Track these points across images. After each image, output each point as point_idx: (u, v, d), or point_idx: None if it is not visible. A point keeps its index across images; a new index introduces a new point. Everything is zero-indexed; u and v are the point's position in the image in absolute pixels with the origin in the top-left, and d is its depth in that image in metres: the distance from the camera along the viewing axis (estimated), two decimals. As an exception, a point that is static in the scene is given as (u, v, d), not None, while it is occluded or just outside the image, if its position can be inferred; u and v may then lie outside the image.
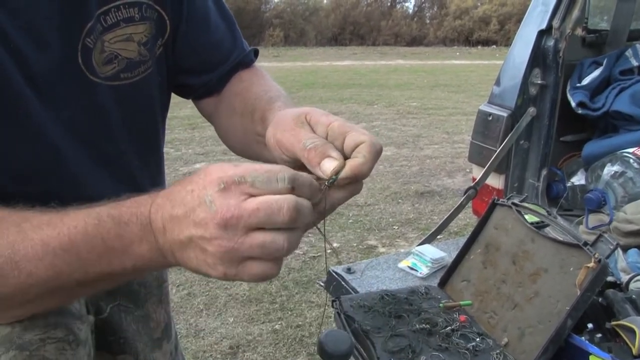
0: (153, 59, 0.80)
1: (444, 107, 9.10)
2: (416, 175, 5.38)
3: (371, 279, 1.59)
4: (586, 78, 2.35)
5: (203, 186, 0.53)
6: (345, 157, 0.61)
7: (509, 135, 2.21)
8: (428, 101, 9.73)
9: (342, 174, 0.59)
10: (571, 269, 1.12)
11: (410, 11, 30.00)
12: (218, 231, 0.51)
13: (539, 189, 2.29)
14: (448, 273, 1.41)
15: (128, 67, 0.76)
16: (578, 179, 2.37)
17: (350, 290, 1.52)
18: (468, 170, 5.12)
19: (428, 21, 29.25)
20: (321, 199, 0.60)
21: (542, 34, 2.19)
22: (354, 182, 0.61)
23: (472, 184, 2.22)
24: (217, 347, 2.59)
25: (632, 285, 1.34)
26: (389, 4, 29.21)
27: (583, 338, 1.10)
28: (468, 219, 3.83)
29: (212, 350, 2.56)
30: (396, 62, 17.85)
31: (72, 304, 0.75)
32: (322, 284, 1.72)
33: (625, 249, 1.77)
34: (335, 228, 3.97)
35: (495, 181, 2.34)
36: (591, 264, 1.06)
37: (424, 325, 1.18)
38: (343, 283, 1.57)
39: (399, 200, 4.68)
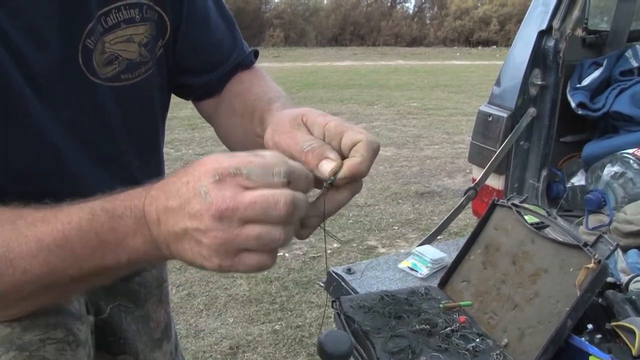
0: (153, 60, 0.80)
1: (444, 108, 9.09)
2: (416, 176, 5.38)
3: (371, 279, 1.59)
4: (586, 79, 2.35)
5: (198, 177, 0.53)
6: (343, 157, 0.61)
7: (509, 136, 2.21)
8: (428, 101, 9.72)
9: (341, 174, 0.59)
10: (571, 269, 1.12)
11: (411, 11, 29.98)
12: (213, 223, 0.51)
13: (539, 190, 2.29)
14: (448, 274, 1.41)
15: (128, 68, 0.76)
16: (578, 180, 2.37)
17: (350, 290, 1.52)
18: (468, 170, 5.12)
19: (428, 21, 29.22)
20: (321, 200, 0.60)
21: (543, 34, 2.19)
22: (353, 182, 0.61)
23: (472, 185, 2.23)
24: (217, 348, 2.59)
25: (632, 286, 1.34)
26: (389, 4, 29.20)
27: (583, 339, 1.10)
28: (468, 219, 3.84)
29: (212, 351, 2.56)
30: (396, 62, 17.85)
31: (72, 304, 0.75)
32: (322, 284, 1.72)
33: (625, 249, 1.77)
34: (335, 228, 3.97)
35: (495, 182, 2.34)
36: (591, 265, 1.06)
37: (423, 325, 1.18)
38: (343, 283, 1.57)
39: (399, 201, 4.68)
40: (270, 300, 3.01)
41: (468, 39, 26.60)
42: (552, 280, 1.15)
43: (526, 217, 1.30)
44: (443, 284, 1.41)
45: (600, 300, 1.21)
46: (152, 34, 0.78)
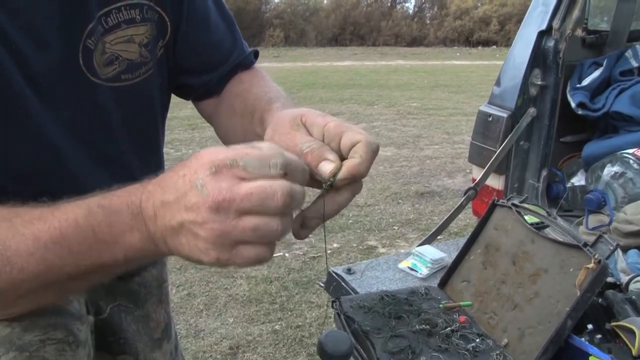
0: (154, 60, 0.80)
1: (444, 108, 9.09)
2: (416, 176, 5.38)
3: (371, 279, 1.59)
4: (586, 79, 2.35)
5: (194, 170, 0.52)
6: (343, 158, 0.61)
7: (509, 136, 2.21)
8: (428, 101, 9.72)
9: (340, 176, 0.59)
10: (571, 269, 1.12)
11: (411, 11, 29.98)
12: (210, 215, 0.51)
13: (539, 190, 2.29)
14: (448, 274, 1.41)
15: (129, 68, 0.76)
16: (578, 180, 2.37)
17: (350, 290, 1.52)
18: (468, 170, 5.12)
19: (428, 21, 29.22)
20: (321, 201, 0.60)
21: (542, 34, 2.19)
22: (353, 183, 0.61)
23: (472, 185, 2.23)
24: (217, 348, 2.59)
25: (632, 286, 1.34)
26: (389, 4, 29.19)
27: (583, 339, 1.10)
28: (468, 219, 3.84)
29: (212, 351, 2.57)
30: (396, 62, 17.85)
31: (72, 305, 0.75)
32: (322, 284, 1.72)
33: (625, 249, 1.77)
34: (335, 228, 3.97)
35: (495, 182, 2.34)
36: (591, 265, 1.06)
37: (423, 326, 1.19)
38: (343, 284, 1.57)
39: (399, 201, 4.68)
40: (270, 300, 3.01)
41: (468, 39, 26.60)
42: (552, 280, 1.15)
43: (526, 217, 1.30)
44: (443, 284, 1.41)
45: (600, 300, 1.21)
46: (152, 34, 0.78)
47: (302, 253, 3.55)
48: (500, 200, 1.38)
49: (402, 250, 3.41)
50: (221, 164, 0.51)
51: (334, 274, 1.61)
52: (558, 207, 2.30)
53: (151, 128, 0.86)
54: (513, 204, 1.33)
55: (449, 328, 1.18)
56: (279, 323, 2.79)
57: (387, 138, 6.87)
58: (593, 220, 2.08)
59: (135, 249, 0.57)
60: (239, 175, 0.51)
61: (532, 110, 2.23)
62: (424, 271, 1.61)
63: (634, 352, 1.07)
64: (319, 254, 3.52)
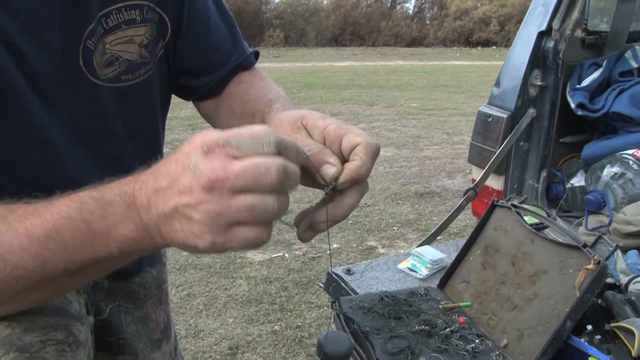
0: (154, 61, 0.80)
1: (444, 108, 9.10)
2: (416, 176, 5.38)
3: (371, 280, 1.59)
4: (586, 79, 2.35)
5: (187, 153, 0.52)
6: (344, 160, 0.61)
7: (509, 137, 2.21)
8: (428, 102, 9.73)
9: (342, 179, 0.59)
10: (570, 270, 1.12)
11: (410, 12, 30.03)
12: (204, 195, 0.49)
13: (538, 190, 2.29)
14: (447, 274, 1.41)
15: (129, 69, 0.76)
16: (578, 180, 2.37)
17: (350, 291, 1.53)
18: (468, 171, 5.13)
19: (428, 22, 29.26)
20: (324, 205, 0.60)
21: (542, 35, 2.20)
22: (357, 185, 0.61)
23: (471, 185, 2.23)
24: (217, 348, 2.59)
25: (631, 287, 1.34)
26: (389, 4, 29.21)
27: (582, 340, 1.10)
28: (468, 220, 3.84)
29: (211, 351, 2.56)
30: (396, 62, 17.85)
31: (72, 305, 0.75)
32: (322, 285, 1.72)
33: (624, 250, 1.77)
34: (335, 229, 3.97)
35: (495, 182, 2.34)
36: (590, 266, 1.06)
37: (423, 326, 1.19)
38: (342, 284, 1.57)
39: (399, 201, 4.68)
40: (269, 301, 3.01)
41: (468, 40, 26.62)
42: (551, 281, 1.15)
43: (526, 218, 1.30)
44: (442, 284, 1.41)
45: (599, 301, 1.21)
46: (152, 35, 0.78)
47: (301, 253, 3.55)
48: (500, 201, 1.38)
49: (402, 251, 3.41)
50: (214, 144, 0.50)
51: (333, 275, 1.62)
52: (558, 207, 2.30)
53: (151, 129, 0.86)
54: (513, 205, 1.33)
55: (449, 329, 1.18)
56: (279, 323, 2.79)
57: (386, 138, 6.87)
58: (592, 221, 2.09)
59: (129, 241, 0.56)
60: (232, 154, 0.50)
61: (531, 111, 2.24)
62: (423, 272, 1.61)
63: (634, 353, 1.07)
64: (318, 255, 3.52)
